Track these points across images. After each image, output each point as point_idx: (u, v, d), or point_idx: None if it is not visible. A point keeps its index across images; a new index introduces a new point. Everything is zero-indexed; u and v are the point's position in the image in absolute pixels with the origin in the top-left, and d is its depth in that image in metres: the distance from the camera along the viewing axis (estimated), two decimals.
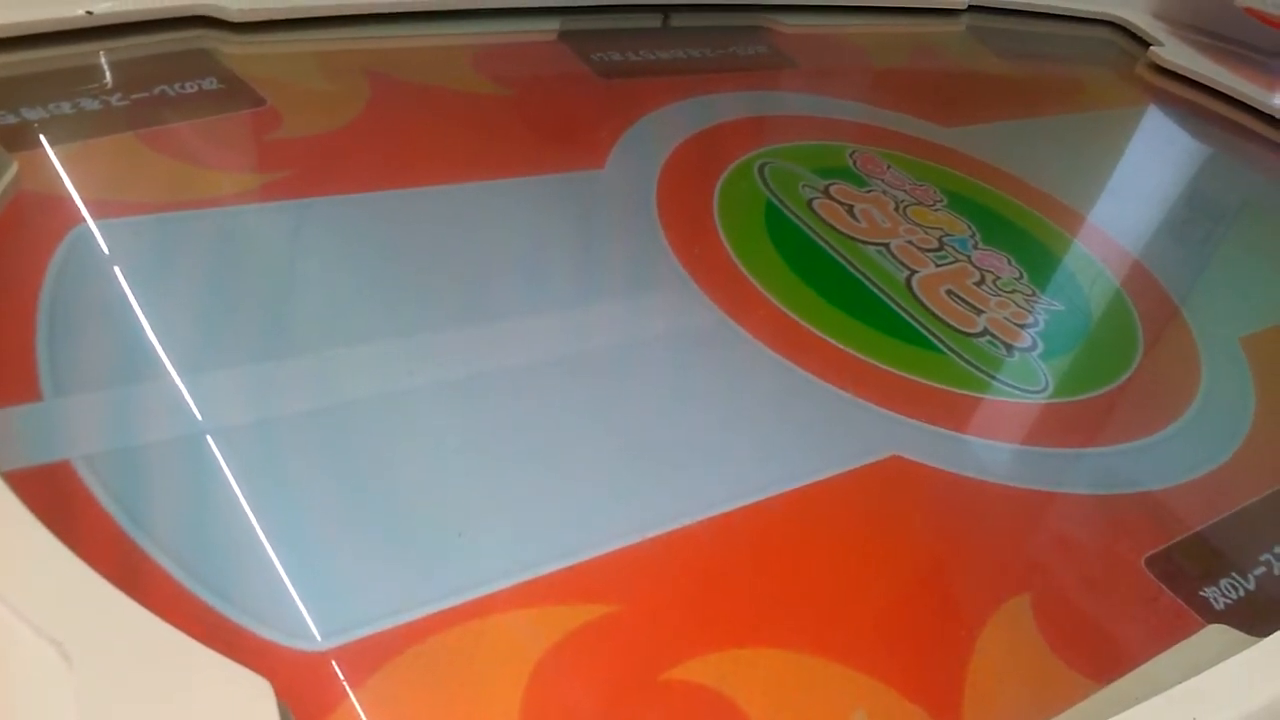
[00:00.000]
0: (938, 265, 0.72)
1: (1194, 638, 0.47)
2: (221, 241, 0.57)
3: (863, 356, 0.61)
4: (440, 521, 0.45)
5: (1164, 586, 0.52)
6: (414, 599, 0.41)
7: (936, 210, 0.79)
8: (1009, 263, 0.75)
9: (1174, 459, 0.61)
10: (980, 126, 0.97)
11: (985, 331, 0.67)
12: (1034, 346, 0.67)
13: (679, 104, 0.83)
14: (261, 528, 0.42)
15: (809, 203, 0.75)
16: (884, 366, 0.61)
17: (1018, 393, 0.63)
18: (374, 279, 0.57)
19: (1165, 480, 0.59)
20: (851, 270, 0.69)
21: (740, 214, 0.72)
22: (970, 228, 0.78)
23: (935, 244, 0.75)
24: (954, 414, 0.60)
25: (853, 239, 0.72)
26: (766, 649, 0.43)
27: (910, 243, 0.74)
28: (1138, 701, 0.40)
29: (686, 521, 0.48)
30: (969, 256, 0.74)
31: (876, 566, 0.49)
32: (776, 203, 0.74)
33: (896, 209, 0.78)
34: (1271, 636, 0.45)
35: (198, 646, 0.33)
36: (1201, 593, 0.52)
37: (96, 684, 0.32)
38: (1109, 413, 0.64)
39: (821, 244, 0.71)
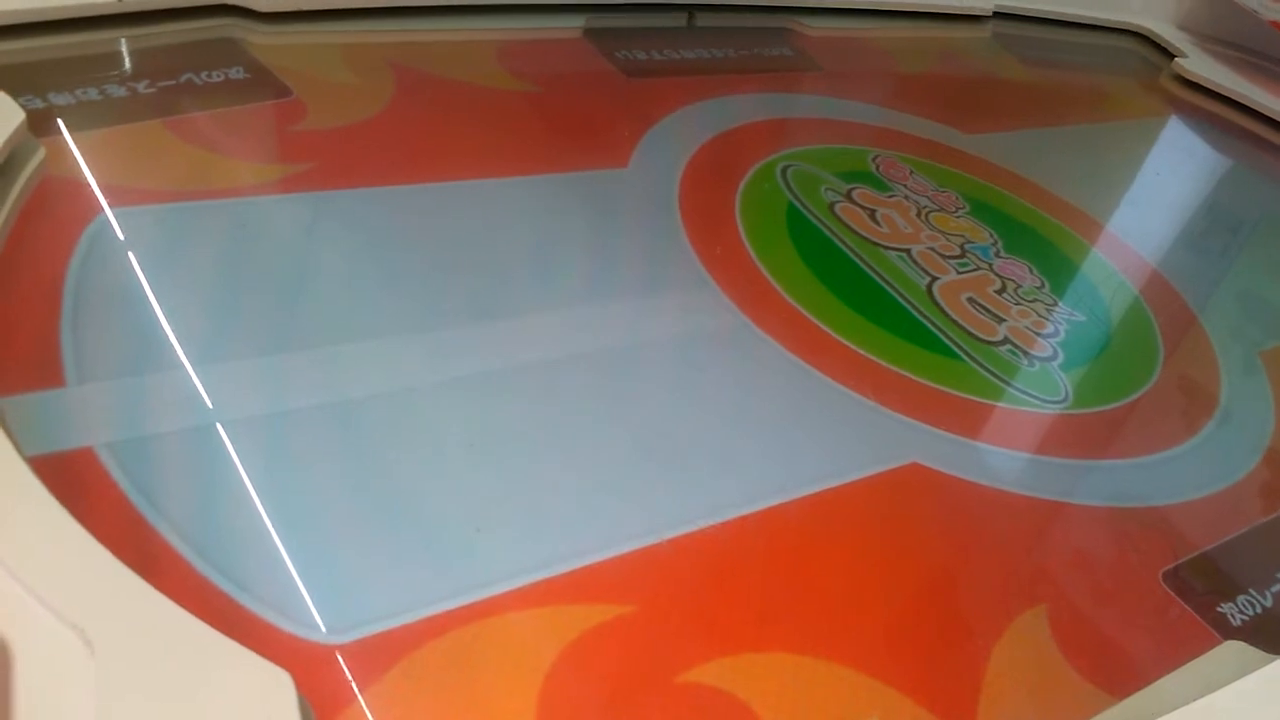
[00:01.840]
0: (959, 272, 0.72)
1: (1210, 653, 0.47)
2: (244, 232, 0.57)
3: (882, 362, 0.61)
4: (457, 518, 0.45)
5: (1181, 601, 0.52)
6: (430, 595, 0.41)
7: (959, 217, 0.79)
8: (1030, 271, 0.75)
9: (1193, 473, 0.61)
10: (1003, 134, 0.97)
11: (1006, 340, 0.67)
12: (1054, 356, 0.67)
13: (702, 104, 0.83)
14: (281, 522, 0.42)
15: (831, 206, 0.75)
16: (904, 372, 0.61)
17: (1038, 402, 0.62)
18: (395, 273, 0.57)
19: (1183, 495, 0.59)
20: (873, 275, 0.69)
21: (762, 216, 0.72)
22: (992, 235, 0.78)
23: (957, 251, 0.74)
24: (974, 422, 0.59)
25: (874, 243, 0.72)
26: (781, 653, 0.43)
27: (932, 249, 0.74)
28: (1154, 717, 0.40)
29: (703, 524, 0.48)
30: (990, 264, 0.74)
31: (894, 573, 0.49)
32: (799, 205, 0.74)
33: (919, 215, 0.77)
34: None
35: (219, 637, 0.33)
36: (1218, 608, 0.52)
37: (118, 671, 0.32)
38: (1128, 425, 0.64)
39: (843, 248, 0.71)
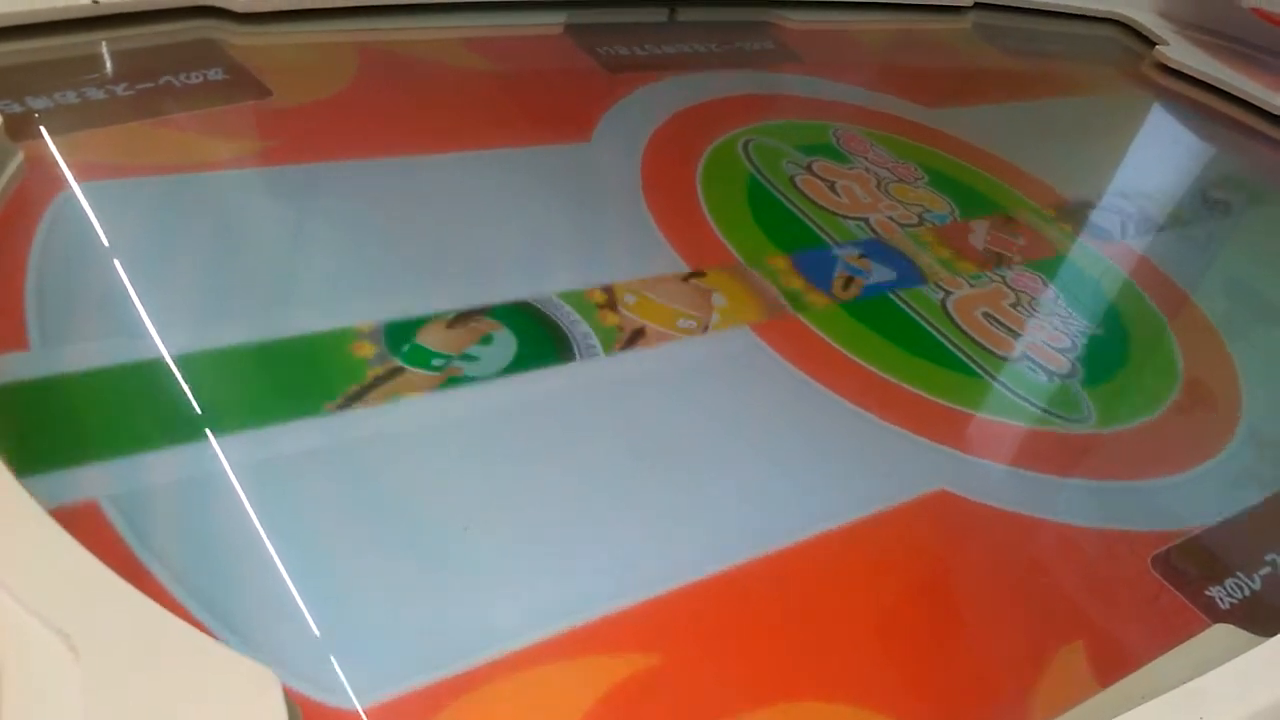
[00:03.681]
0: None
1: (1200, 637, 0.47)
2: (206, 209, 0.58)
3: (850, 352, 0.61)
4: (473, 568, 0.43)
5: (1169, 586, 0.52)
6: (452, 652, 0.39)
7: (917, 187, 0.80)
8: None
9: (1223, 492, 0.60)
10: (972, 108, 0.98)
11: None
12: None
13: (666, 81, 0.84)
14: (293, 578, 0.40)
15: (792, 179, 0.76)
16: (863, 363, 0.61)
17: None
18: (351, 251, 0.58)
19: (1212, 518, 0.58)
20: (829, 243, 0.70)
21: (724, 189, 0.72)
22: (950, 204, 0.79)
23: (915, 220, 0.75)
24: (960, 413, 0.59)
25: (833, 213, 0.73)
26: (813, 702, 0.42)
27: (890, 218, 0.75)
28: (1144, 701, 0.40)
29: (726, 565, 0.46)
30: None
31: (926, 609, 0.47)
32: (760, 178, 0.74)
33: (878, 185, 0.78)
34: (1278, 636, 0.45)
35: (205, 638, 0.33)
36: (1207, 592, 0.52)
37: (103, 675, 0.31)
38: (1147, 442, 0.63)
39: (803, 218, 0.72)
